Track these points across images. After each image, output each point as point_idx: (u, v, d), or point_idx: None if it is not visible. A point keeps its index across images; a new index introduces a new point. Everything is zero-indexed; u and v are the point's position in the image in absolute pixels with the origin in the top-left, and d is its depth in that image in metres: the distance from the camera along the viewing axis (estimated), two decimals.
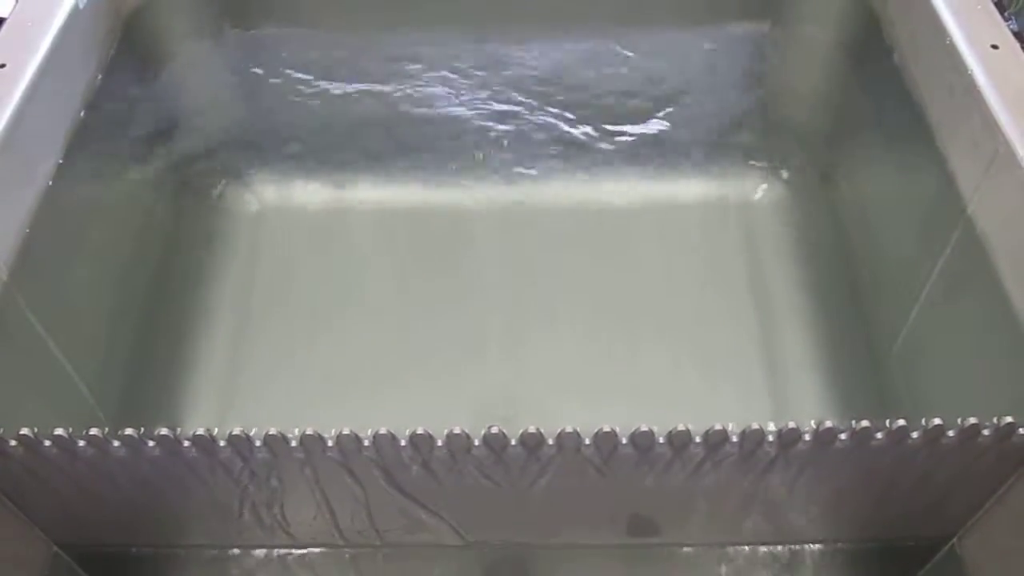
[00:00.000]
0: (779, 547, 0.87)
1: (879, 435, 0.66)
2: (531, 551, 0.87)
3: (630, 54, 1.19)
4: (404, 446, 0.68)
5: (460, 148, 1.24)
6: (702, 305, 1.11)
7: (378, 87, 1.21)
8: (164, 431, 0.66)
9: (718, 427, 0.66)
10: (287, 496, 0.76)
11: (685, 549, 0.86)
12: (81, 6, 0.95)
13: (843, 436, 0.67)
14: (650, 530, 0.83)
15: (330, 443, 0.67)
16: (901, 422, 0.66)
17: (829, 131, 1.19)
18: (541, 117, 1.23)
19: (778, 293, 1.12)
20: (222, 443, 0.67)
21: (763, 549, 0.87)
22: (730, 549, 0.87)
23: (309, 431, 0.66)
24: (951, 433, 0.66)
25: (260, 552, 0.87)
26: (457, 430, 0.66)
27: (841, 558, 0.86)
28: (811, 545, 0.86)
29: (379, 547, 0.85)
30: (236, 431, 0.66)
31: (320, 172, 1.25)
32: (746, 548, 0.87)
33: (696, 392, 1.04)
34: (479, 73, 1.20)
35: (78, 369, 0.92)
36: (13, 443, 0.67)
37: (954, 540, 0.82)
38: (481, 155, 1.24)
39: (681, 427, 0.66)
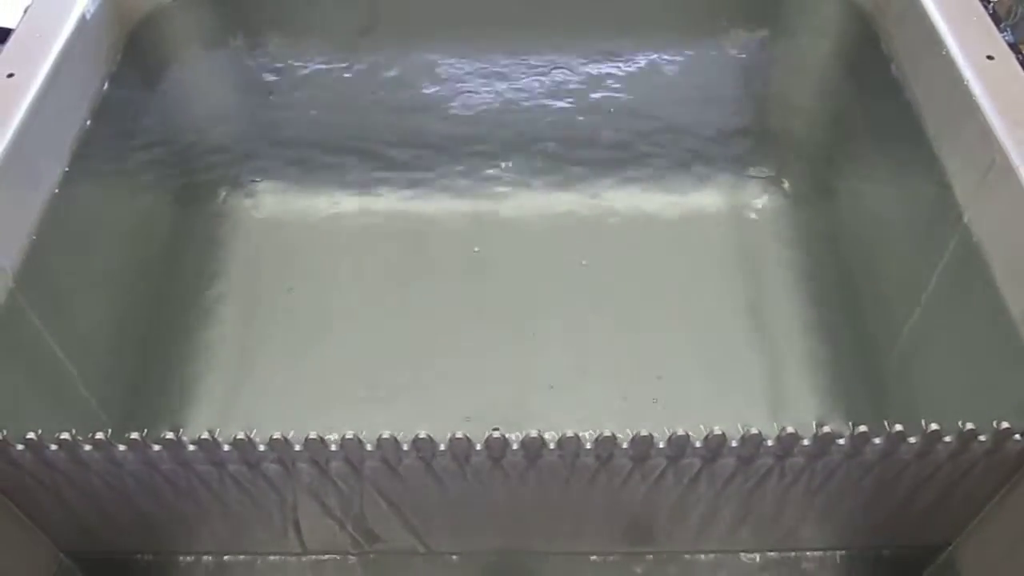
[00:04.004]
0: (776, 554, 0.87)
1: (877, 440, 0.67)
2: (529, 558, 0.87)
3: (627, 67, 1.20)
4: (407, 450, 0.68)
5: (462, 156, 1.25)
6: (702, 314, 1.12)
7: (382, 97, 1.22)
8: (168, 434, 0.66)
9: (717, 432, 0.67)
10: (293, 501, 0.76)
11: (683, 556, 0.87)
12: (88, 17, 0.96)
13: (841, 441, 0.67)
14: (647, 537, 0.84)
15: (334, 447, 0.68)
16: (899, 427, 0.66)
17: (828, 141, 1.19)
18: (545, 125, 1.24)
19: (777, 302, 1.12)
20: (226, 447, 0.68)
21: (760, 556, 0.87)
22: (727, 556, 0.87)
23: (313, 435, 0.67)
24: (948, 439, 0.67)
25: (267, 559, 0.87)
26: (459, 434, 0.67)
27: (837, 565, 0.87)
28: (808, 552, 0.87)
29: (382, 554, 0.85)
30: (240, 435, 0.67)
31: (323, 181, 1.26)
32: (743, 555, 0.87)
33: (695, 399, 1.04)
34: (484, 82, 1.21)
35: (83, 374, 0.92)
36: (19, 447, 0.67)
37: (951, 547, 0.83)
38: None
39: (680, 432, 0.67)
